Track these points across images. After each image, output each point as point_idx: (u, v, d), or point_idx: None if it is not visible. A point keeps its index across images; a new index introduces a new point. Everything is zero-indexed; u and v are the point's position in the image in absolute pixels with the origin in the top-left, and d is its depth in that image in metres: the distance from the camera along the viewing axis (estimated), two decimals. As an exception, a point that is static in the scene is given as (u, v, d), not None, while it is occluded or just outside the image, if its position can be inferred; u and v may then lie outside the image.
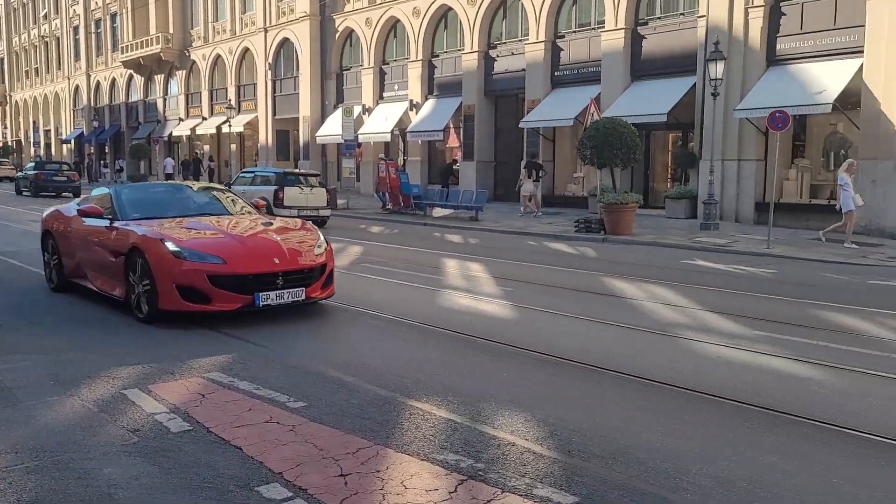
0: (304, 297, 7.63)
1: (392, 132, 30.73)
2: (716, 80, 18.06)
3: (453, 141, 29.75)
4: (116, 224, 8.18)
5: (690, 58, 21.02)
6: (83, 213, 8.59)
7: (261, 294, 7.28)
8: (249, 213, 9.32)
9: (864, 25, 17.40)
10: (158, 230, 7.70)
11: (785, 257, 14.04)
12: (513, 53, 26.61)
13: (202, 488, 3.74)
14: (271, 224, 8.62)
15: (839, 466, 4.19)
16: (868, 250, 14.86)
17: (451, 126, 29.11)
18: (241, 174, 23.38)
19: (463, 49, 28.18)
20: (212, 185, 11.70)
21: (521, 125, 25.45)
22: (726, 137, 19.96)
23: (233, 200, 9.73)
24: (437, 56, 29.87)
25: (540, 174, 22.94)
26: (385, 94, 32.22)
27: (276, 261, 7.50)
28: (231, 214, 9.09)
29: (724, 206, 19.76)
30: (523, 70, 25.81)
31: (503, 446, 4.35)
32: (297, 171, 24.55)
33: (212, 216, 8.74)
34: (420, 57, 29.91)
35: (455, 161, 28.90)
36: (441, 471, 3.98)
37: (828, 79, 17.96)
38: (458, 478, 3.88)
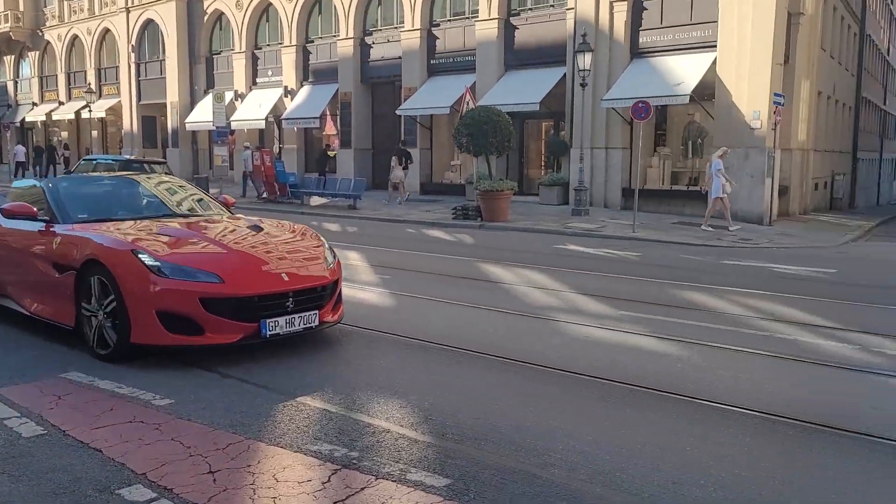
0: (317, 322, 6.14)
1: (266, 119, 29.97)
2: (584, 71, 18.74)
3: (330, 128, 29.36)
4: (57, 228, 6.43)
5: (561, 49, 21.69)
6: (8, 213, 6.79)
7: (268, 321, 5.79)
8: (223, 213, 7.67)
9: (717, 21, 18.55)
10: (125, 238, 6.04)
11: (649, 241, 14.83)
12: (389, 41, 26.51)
13: (57, 495, 3.53)
14: (262, 228, 7.01)
15: (694, 434, 4.48)
16: (722, 233, 15.93)
17: (328, 113, 28.72)
18: (82, 162, 21.94)
19: (338, 35, 27.81)
20: (170, 178, 9.54)
21: (397, 112, 25.45)
22: (595, 126, 20.80)
23: (197, 198, 8.00)
24: (312, 42, 29.32)
25: (408, 162, 23.19)
26: (258, 80, 31.33)
27: (285, 277, 6.02)
28: (205, 216, 7.43)
29: (593, 193, 20.60)
30: (399, 57, 25.80)
31: (378, 433, 4.36)
32: (142, 158, 23.48)
33: (178, 218, 7.12)
34: (294, 42, 29.25)
35: (328, 146, 28.52)
36: (314, 461, 3.94)
37: (685, 71, 19.05)
38: (332, 467, 3.86)
